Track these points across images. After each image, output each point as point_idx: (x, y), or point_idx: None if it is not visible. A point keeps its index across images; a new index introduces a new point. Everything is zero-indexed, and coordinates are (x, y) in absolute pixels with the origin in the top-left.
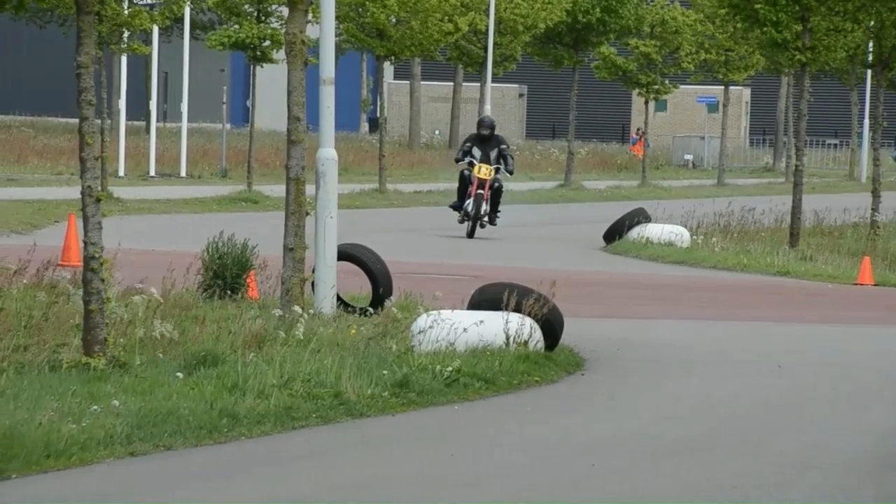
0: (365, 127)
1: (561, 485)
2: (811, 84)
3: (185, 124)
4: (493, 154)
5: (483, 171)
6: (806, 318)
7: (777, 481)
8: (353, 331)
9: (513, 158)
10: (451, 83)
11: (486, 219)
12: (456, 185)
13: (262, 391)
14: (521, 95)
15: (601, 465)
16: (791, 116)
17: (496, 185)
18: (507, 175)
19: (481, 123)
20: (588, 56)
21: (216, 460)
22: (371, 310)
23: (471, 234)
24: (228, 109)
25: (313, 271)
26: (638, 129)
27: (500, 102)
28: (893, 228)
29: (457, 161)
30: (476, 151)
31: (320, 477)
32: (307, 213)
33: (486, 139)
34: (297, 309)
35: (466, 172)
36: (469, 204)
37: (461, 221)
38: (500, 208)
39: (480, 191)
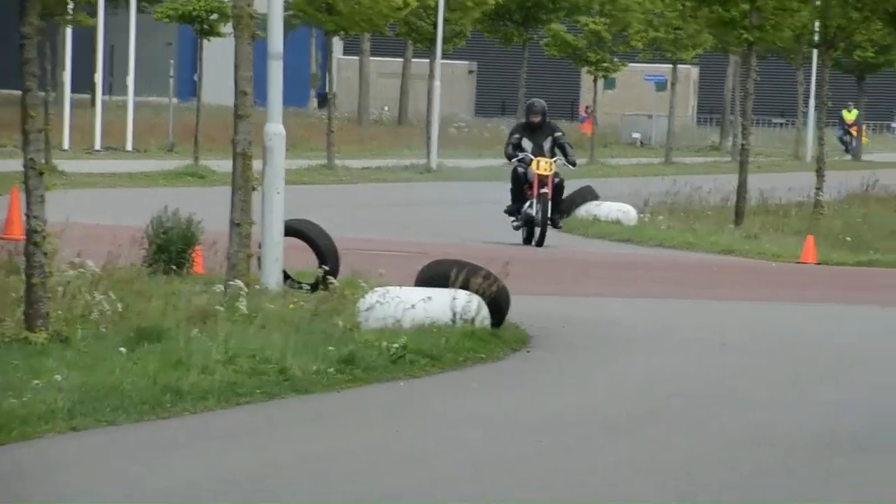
0: (314, 102)
1: (507, 461)
2: (758, 63)
3: (131, 98)
4: (547, 144)
5: (543, 166)
6: (750, 296)
7: (723, 458)
8: (299, 305)
9: (572, 147)
10: (401, 59)
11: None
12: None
13: (206, 367)
14: (470, 72)
15: (548, 441)
16: (738, 95)
17: (557, 180)
18: (570, 167)
19: (531, 109)
20: (538, 33)
21: (159, 436)
22: (317, 286)
23: (539, 243)
24: (175, 83)
25: (260, 247)
26: (586, 107)
27: (450, 79)
28: (837, 207)
29: (509, 157)
30: (527, 143)
31: (264, 453)
32: (254, 189)
33: (536, 127)
34: (243, 284)
35: (522, 170)
36: (531, 206)
37: (518, 228)
38: (564, 209)
39: (545, 189)
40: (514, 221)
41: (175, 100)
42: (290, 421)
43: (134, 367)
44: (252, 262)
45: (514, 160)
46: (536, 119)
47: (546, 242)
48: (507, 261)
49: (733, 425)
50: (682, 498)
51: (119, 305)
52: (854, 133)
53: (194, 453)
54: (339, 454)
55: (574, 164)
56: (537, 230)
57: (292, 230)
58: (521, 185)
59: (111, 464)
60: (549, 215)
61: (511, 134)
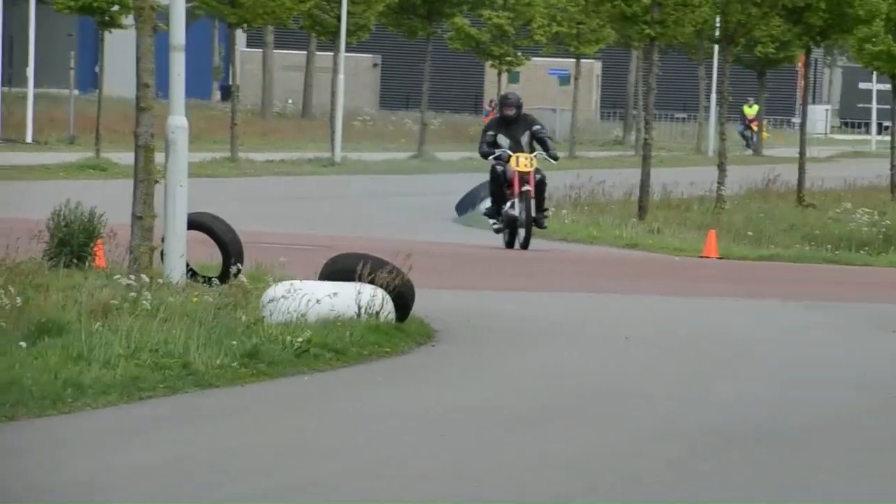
0: (217, 95)
1: (411, 455)
2: (660, 58)
3: (31, 89)
4: (525, 139)
5: (523, 162)
6: (653, 291)
7: (627, 453)
8: (202, 299)
9: (552, 139)
10: (305, 52)
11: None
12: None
13: (108, 361)
14: (374, 65)
15: (451, 435)
16: (640, 90)
17: (538, 176)
18: (552, 162)
19: (505, 102)
20: (442, 27)
21: (60, 431)
22: (221, 279)
23: (525, 245)
24: (76, 75)
25: (163, 240)
26: (491, 101)
27: (354, 72)
28: (738, 202)
29: (484, 156)
30: (503, 139)
31: (166, 448)
32: (157, 182)
33: (511, 121)
34: (146, 278)
35: (500, 168)
36: (513, 206)
37: (500, 231)
38: (548, 205)
39: (526, 187)
40: (494, 224)
41: (76, 91)
42: (192, 416)
43: (34, 361)
44: (155, 255)
45: (490, 157)
46: (511, 112)
47: (531, 244)
48: (408, 253)
49: (637, 419)
50: (586, 492)
51: (18, 299)
52: (755, 128)
53: (95, 448)
54: (242, 449)
55: (556, 159)
56: (521, 231)
57: (195, 223)
58: (500, 185)
59: (11, 459)
60: (532, 215)
61: (485, 130)
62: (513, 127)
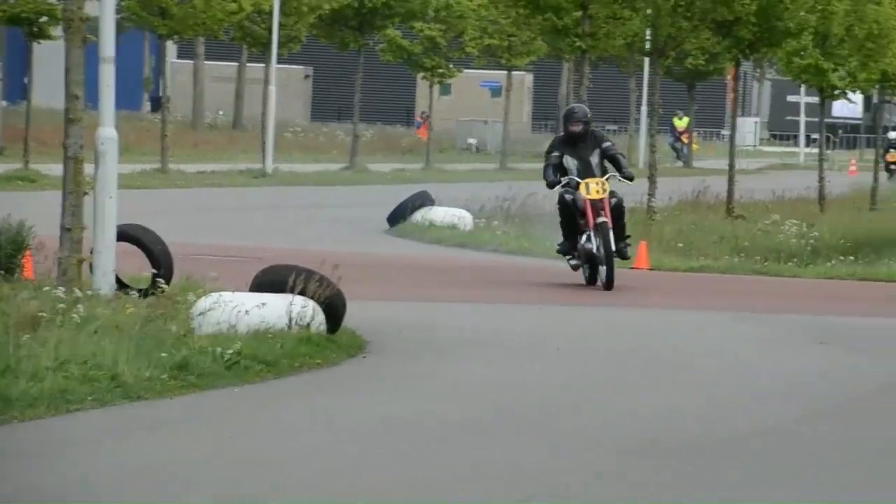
0: (147, 106)
1: (343, 466)
2: (591, 71)
3: None
4: (595, 159)
5: (594, 189)
6: (584, 302)
7: (558, 464)
8: (132, 311)
9: (625, 157)
10: (236, 63)
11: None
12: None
13: (35, 374)
14: (306, 77)
15: (383, 447)
16: (571, 102)
17: (614, 201)
18: (627, 183)
19: (570, 117)
20: (374, 38)
21: None
22: (150, 291)
23: (608, 284)
24: (5, 86)
25: (92, 252)
26: (422, 113)
27: (285, 83)
28: (668, 214)
29: (551, 185)
30: (570, 161)
31: (95, 461)
32: (86, 193)
33: (578, 139)
34: (75, 290)
35: (570, 196)
36: (589, 240)
37: (577, 267)
38: (629, 232)
39: (602, 218)
40: (570, 260)
41: (4, 102)
42: (121, 429)
43: None
44: (84, 267)
45: (556, 187)
46: (578, 129)
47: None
48: (338, 264)
49: (567, 431)
50: (516, 502)
51: None
52: (685, 140)
53: (22, 462)
54: (171, 462)
55: (631, 179)
56: (602, 268)
57: (125, 235)
58: (571, 216)
59: None
60: (612, 247)
61: (548, 152)
62: (580, 146)
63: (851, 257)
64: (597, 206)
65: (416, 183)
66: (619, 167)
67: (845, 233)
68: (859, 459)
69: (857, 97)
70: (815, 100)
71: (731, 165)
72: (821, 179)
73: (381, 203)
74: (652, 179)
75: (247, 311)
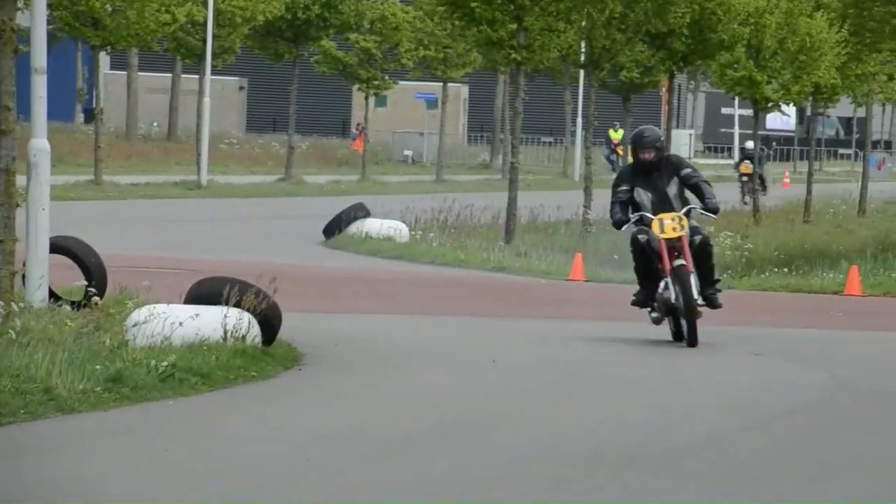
0: (80, 117)
1: (277, 479)
2: (527, 83)
3: None
4: (673, 189)
5: (669, 226)
6: (520, 314)
7: (496, 477)
8: (65, 323)
9: (709, 185)
10: (170, 74)
11: (700, 300)
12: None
13: None
14: (241, 88)
15: (318, 460)
16: (507, 114)
17: (698, 238)
18: (710, 217)
19: (640, 143)
20: (309, 50)
21: None
22: (84, 304)
23: (691, 340)
24: None
25: (24, 264)
26: (358, 125)
27: (220, 95)
28: (604, 225)
29: (618, 224)
30: (643, 195)
31: (28, 474)
32: (18, 205)
33: (651, 168)
34: (7, 303)
35: (643, 237)
36: (667, 288)
37: (659, 321)
38: (718, 276)
39: (680, 261)
40: (651, 313)
41: None
42: (54, 441)
43: None
44: (17, 279)
45: (625, 226)
46: (650, 156)
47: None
48: (274, 276)
49: (505, 443)
50: None
51: None
52: (620, 152)
53: None
54: (104, 475)
55: (716, 211)
56: (671, 322)
57: (58, 247)
58: (648, 260)
59: None
60: (693, 295)
61: (615, 186)
62: (654, 176)
63: (785, 269)
64: (674, 246)
65: (351, 195)
66: (702, 196)
67: (779, 245)
68: (797, 471)
69: (791, 109)
70: (748, 112)
71: None
72: (755, 191)
73: (316, 215)
74: (587, 191)
75: (181, 323)
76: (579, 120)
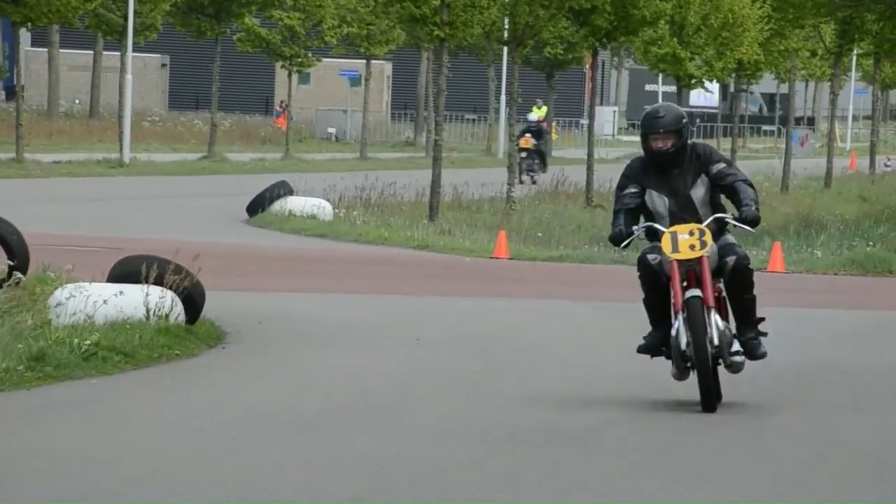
0: (1, 95)
1: (199, 458)
2: (450, 60)
3: None
4: (701, 191)
5: (685, 245)
6: (444, 292)
7: (416, 453)
8: None
9: (751, 185)
10: (92, 51)
11: (735, 355)
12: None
13: None
14: (163, 66)
15: (240, 437)
16: (431, 91)
17: (731, 260)
18: (746, 230)
19: (651, 124)
20: (231, 27)
21: None
22: (6, 282)
23: (708, 405)
24: None
25: None
26: (282, 102)
27: (142, 72)
28: (528, 203)
29: (615, 240)
30: (657, 199)
31: None
32: None
33: (669, 161)
34: None
35: (654, 259)
36: (679, 329)
37: (680, 376)
38: (761, 315)
39: (695, 291)
40: (673, 371)
41: None
42: None
43: None
44: None
45: (624, 243)
46: (667, 145)
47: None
48: (197, 254)
49: (425, 420)
50: (377, 492)
51: None
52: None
53: None
54: (27, 454)
55: (755, 223)
56: (695, 375)
57: None
58: (661, 290)
59: None
60: (714, 341)
61: (620, 188)
62: (673, 173)
63: None
64: (690, 270)
65: (275, 173)
66: (738, 203)
67: None
68: (722, 445)
69: (714, 86)
70: (672, 89)
71: (590, 155)
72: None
73: (239, 193)
74: (511, 169)
75: (105, 302)
76: (503, 97)
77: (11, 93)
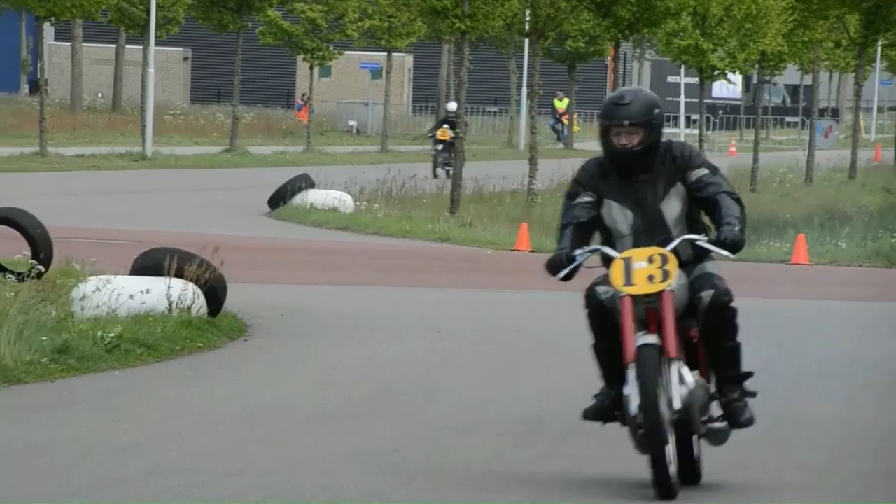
0: (25, 89)
1: (222, 449)
2: (471, 52)
3: None
4: (674, 205)
5: (642, 276)
6: (465, 284)
7: (437, 445)
8: (11, 295)
9: (738, 200)
10: (114, 45)
11: (713, 421)
12: None
13: None
14: (185, 59)
15: (262, 429)
16: (452, 84)
17: (706, 296)
18: (723, 255)
19: (613, 113)
20: (253, 20)
21: None
22: (31, 275)
23: (659, 490)
24: None
25: None
26: (303, 95)
27: (165, 66)
28: (550, 195)
29: (552, 266)
30: (617, 213)
31: None
32: None
33: (635, 163)
34: None
35: (604, 292)
36: (630, 388)
37: (642, 448)
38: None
39: (649, 338)
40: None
41: None
42: (1, 411)
43: None
44: None
45: (563, 272)
46: (632, 142)
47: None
48: (217, 247)
49: (447, 412)
50: (399, 485)
51: None
52: (565, 121)
53: None
54: (51, 445)
55: (736, 246)
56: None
57: (4, 219)
58: (611, 333)
59: None
60: (675, 404)
61: (569, 196)
62: (639, 179)
63: None
64: (652, 309)
65: (296, 166)
66: (718, 220)
67: None
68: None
69: (737, 78)
70: (694, 80)
71: None
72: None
73: (261, 186)
74: (533, 161)
75: (131, 296)
76: (524, 90)
77: (35, 87)
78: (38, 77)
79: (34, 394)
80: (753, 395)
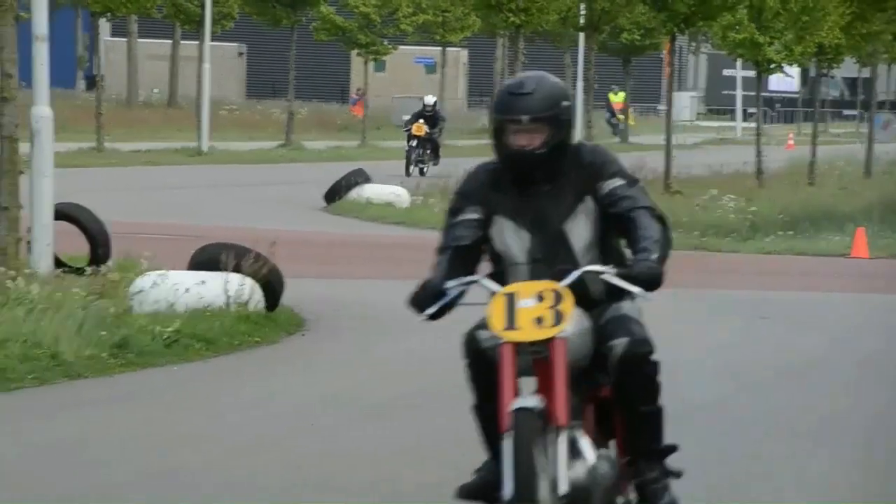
0: (82, 84)
1: (278, 443)
2: (526, 46)
3: None
4: (583, 226)
5: (527, 319)
6: None
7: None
8: (66, 290)
9: (660, 218)
10: (170, 41)
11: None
12: None
13: None
14: (240, 54)
15: (319, 423)
16: (507, 78)
17: (619, 346)
18: (635, 292)
19: (507, 106)
20: (307, 15)
21: None
22: (90, 270)
23: None
24: None
25: (29, 231)
26: (358, 90)
27: (220, 61)
28: None
29: (417, 302)
30: (511, 235)
31: (35, 438)
32: (22, 172)
33: (535, 171)
34: (13, 270)
35: (486, 339)
36: (505, 484)
37: None
38: (672, 443)
39: (529, 401)
40: None
41: None
42: (61, 406)
43: None
44: (22, 246)
45: (431, 309)
46: (533, 143)
47: None
48: (274, 242)
49: None
50: (455, 480)
51: None
52: (621, 116)
53: None
54: (110, 439)
55: (652, 283)
56: None
57: (62, 214)
58: (487, 393)
59: None
60: (569, 489)
61: (451, 213)
62: (540, 191)
63: (790, 232)
64: (541, 360)
65: (352, 160)
66: (634, 245)
67: (783, 207)
68: (786, 431)
69: (794, 71)
70: (751, 74)
71: (668, 140)
72: (758, 154)
73: (317, 181)
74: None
75: (187, 290)
76: (580, 83)
77: (91, 83)
78: (95, 73)
79: (94, 388)
80: (678, 475)
